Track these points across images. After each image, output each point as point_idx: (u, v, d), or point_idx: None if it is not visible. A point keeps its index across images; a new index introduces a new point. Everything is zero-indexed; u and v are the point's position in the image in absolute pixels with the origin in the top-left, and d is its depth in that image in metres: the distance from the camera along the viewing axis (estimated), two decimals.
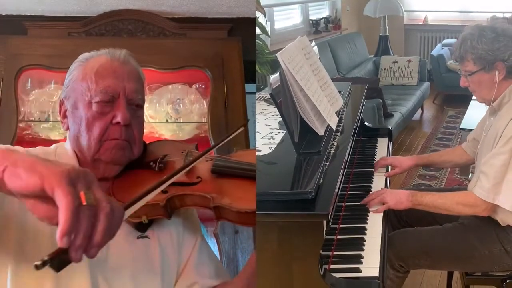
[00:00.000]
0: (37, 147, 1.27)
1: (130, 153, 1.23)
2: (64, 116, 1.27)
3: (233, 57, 2.48)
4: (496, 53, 1.66)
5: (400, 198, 1.68)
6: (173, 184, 1.18)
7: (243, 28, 2.66)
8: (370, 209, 1.67)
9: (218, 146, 1.28)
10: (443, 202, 1.70)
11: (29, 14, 2.64)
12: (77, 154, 1.24)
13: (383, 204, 1.67)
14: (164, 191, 1.18)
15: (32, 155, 0.81)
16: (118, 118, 1.18)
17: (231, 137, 1.32)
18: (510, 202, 1.61)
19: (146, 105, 2.42)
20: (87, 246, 0.70)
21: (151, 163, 1.26)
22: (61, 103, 1.27)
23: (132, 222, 1.21)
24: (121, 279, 1.16)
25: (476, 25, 1.72)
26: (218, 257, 2.29)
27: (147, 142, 1.35)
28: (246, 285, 1.23)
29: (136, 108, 1.25)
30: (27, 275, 1.07)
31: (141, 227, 1.23)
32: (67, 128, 1.26)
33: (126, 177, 1.25)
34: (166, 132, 2.50)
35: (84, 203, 0.70)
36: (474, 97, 3.89)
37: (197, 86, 2.57)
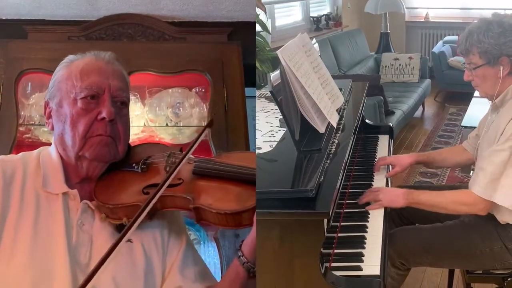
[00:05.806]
0: (20, 153, 1.27)
1: (115, 150, 1.23)
2: (49, 117, 1.27)
3: (233, 61, 2.48)
4: (502, 48, 1.66)
5: (395, 196, 1.67)
6: (154, 185, 1.18)
7: (243, 32, 2.66)
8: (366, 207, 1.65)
9: (192, 149, 1.25)
10: (440, 201, 1.69)
11: (29, 18, 2.63)
12: (61, 155, 1.24)
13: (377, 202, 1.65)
14: (145, 192, 1.19)
15: None
16: (103, 114, 1.19)
17: (200, 139, 1.29)
18: (507, 199, 1.60)
19: (146, 109, 2.47)
20: None
21: (134, 165, 1.27)
22: (46, 104, 1.28)
23: (113, 224, 1.20)
24: (103, 283, 1.12)
25: (483, 19, 1.71)
26: (219, 261, 2.29)
27: (131, 145, 1.36)
28: None
29: (121, 106, 1.26)
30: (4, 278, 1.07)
31: (122, 230, 1.22)
32: (52, 128, 1.26)
33: (109, 179, 1.25)
34: (166, 136, 2.50)
35: None
36: (475, 94, 3.94)
37: (197, 90, 2.56)
